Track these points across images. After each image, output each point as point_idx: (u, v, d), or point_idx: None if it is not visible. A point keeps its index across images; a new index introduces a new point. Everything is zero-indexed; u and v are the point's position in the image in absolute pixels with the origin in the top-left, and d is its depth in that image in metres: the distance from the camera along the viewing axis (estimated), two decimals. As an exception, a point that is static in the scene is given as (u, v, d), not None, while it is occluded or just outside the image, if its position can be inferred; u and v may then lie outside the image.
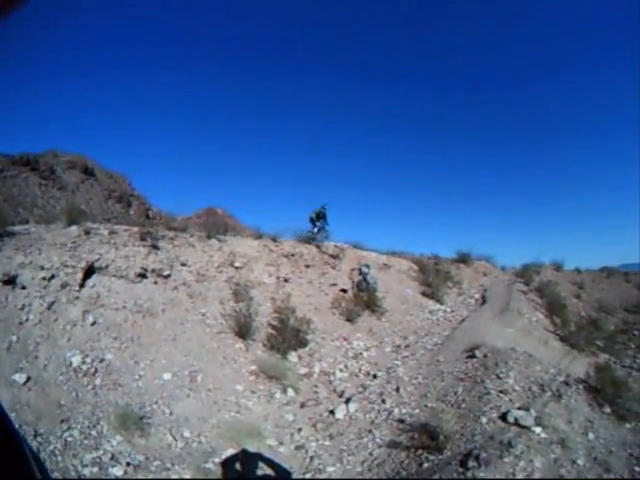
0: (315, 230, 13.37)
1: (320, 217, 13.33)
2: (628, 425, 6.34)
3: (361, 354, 8.23)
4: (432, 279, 13.01)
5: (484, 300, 12.68)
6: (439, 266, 14.99)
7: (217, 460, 4.77)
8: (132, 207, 29.41)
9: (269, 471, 4.56)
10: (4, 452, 0.62)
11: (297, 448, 5.51)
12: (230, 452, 4.94)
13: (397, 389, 6.91)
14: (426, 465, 4.72)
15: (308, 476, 5.00)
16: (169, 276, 7.80)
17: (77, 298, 6.35)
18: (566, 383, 6.76)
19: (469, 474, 4.29)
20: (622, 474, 5.12)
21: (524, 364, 7.19)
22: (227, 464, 4.67)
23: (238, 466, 4.65)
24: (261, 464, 4.58)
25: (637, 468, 5.27)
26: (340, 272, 11.23)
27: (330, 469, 5.11)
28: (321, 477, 5.00)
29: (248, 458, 4.73)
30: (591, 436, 5.62)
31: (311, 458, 5.33)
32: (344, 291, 10.43)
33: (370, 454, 5.31)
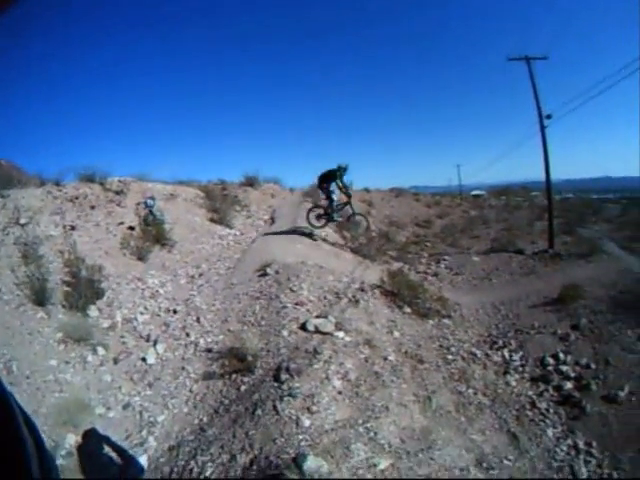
0: (335, 206, 10.58)
1: (339, 177, 10.38)
2: (431, 321, 7.11)
3: (158, 292, 8.05)
4: (219, 205, 13.05)
5: (273, 220, 13.25)
6: (226, 191, 15.11)
7: (63, 452, 4.38)
8: None
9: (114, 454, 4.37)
10: (2, 451, 0.64)
11: (124, 408, 5.33)
12: (73, 438, 4.54)
13: (198, 319, 7.01)
14: (244, 388, 4.98)
15: (144, 432, 4.89)
16: (-44, 252, 6.33)
17: None
18: (361, 289, 7.39)
19: (285, 387, 4.53)
20: (436, 363, 5.78)
21: (316, 275, 7.69)
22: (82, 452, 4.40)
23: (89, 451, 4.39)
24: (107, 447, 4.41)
25: (450, 356, 6.06)
26: (126, 209, 10.63)
27: (160, 418, 5.09)
28: (155, 429, 4.93)
29: (95, 442, 4.49)
30: (397, 334, 6.23)
31: (140, 413, 5.22)
32: (132, 228, 9.93)
33: (190, 391, 5.40)
